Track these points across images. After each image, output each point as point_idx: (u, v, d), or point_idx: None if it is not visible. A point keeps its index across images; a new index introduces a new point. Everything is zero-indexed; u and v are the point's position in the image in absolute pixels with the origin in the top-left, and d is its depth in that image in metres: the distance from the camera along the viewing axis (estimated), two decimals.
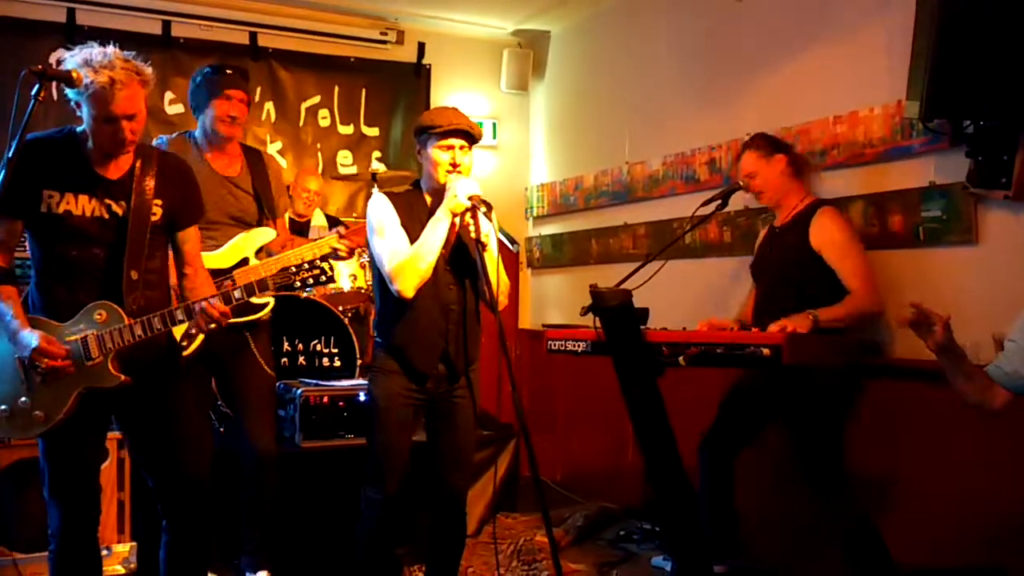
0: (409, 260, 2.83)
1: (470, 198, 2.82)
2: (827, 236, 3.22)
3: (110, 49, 2.40)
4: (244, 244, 3.30)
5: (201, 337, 3.12)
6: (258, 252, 3.31)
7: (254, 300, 3.06)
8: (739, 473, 3.49)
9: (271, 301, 3.31)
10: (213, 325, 2.56)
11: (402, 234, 2.89)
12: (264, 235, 3.36)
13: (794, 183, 3.40)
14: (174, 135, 3.43)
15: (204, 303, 2.53)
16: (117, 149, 2.47)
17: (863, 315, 3.18)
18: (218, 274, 3.18)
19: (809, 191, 3.44)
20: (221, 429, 3.77)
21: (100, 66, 2.35)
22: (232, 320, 3.04)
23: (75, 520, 2.55)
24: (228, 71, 3.34)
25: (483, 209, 2.84)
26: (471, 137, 2.93)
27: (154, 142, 3.30)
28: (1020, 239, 3.01)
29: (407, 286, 2.83)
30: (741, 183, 3.43)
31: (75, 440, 2.53)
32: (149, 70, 2.46)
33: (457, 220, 2.88)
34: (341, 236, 3.43)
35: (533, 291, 6.18)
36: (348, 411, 3.88)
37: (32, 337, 2.39)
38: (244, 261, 3.28)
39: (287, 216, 3.69)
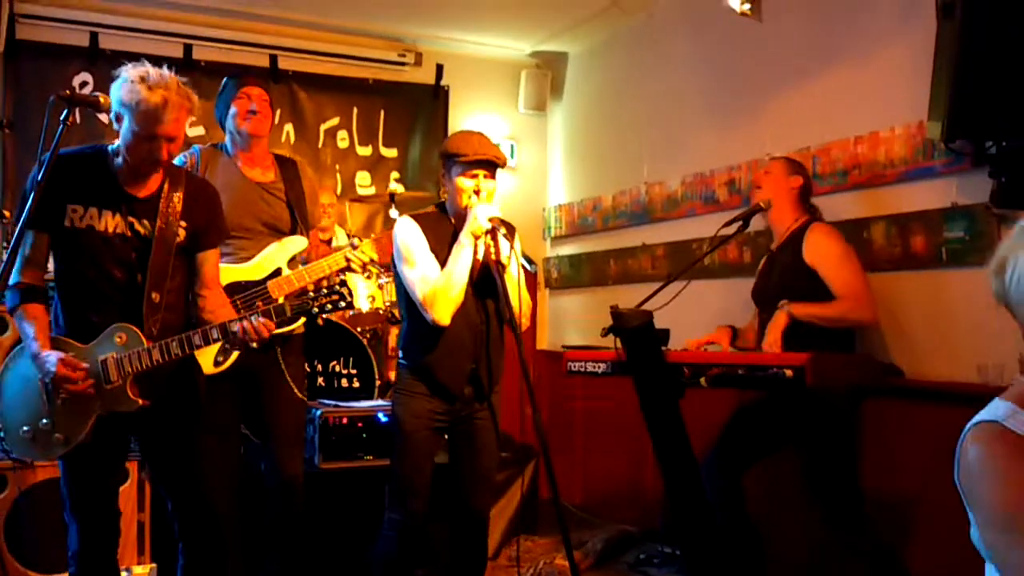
0: (441, 288, 2.84)
1: (490, 220, 2.84)
2: (820, 251, 3.22)
3: (166, 70, 2.44)
4: (276, 254, 3.24)
5: (235, 355, 3.09)
6: (290, 261, 3.26)
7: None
8: (757, 490, 3.45)
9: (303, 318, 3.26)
10: (255, 344, 2.56)
11: (432, 259, 2.90)
12: (296, 244, 3.30)
13: (797, 205, 3.41)
14: (206, 145, 3.41)
15: (251, 321, 2.51)
16: (150, 168, 2.49)
17: (848, 320, 3.17)
18: (251, 286, 3.17)
19: (805, 213, 3.43)
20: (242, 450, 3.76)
21: (155, 85, 2.39)
22: None
23: (94, 541, 2.55)
24: (243, 71, 3.35)
25: (503, 231, 2.86)
26: (497, 165, 2.95)
27: (185, 152, 3.28)
28: None
29: (442, 314, 2.85)
30: (763, 204, 3.41)
31: (95, 462, 2.53)
32: (195, 96, 2.49)
33: (479, 243, 2.90)
34: (354, 247, 3.39)
35: (551, 311, 6.17)
36: (367, 432, 3.87)
37: (51, 362, 2.39)
38: (277, 272, 3.22)
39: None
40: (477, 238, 2.88)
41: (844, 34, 3.76)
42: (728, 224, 3.41)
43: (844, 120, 3.71)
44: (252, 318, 2.52)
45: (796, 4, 3.96)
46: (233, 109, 3.26)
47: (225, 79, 3.40)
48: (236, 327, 2.51)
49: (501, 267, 2.89)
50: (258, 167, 3.31)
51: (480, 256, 2.94)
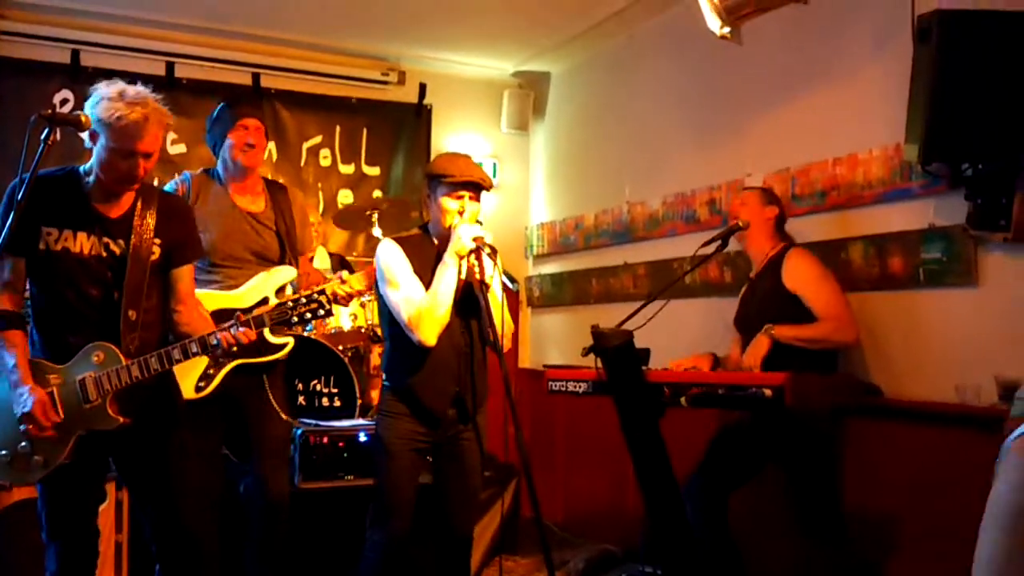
0: (427, 309, 2.84)
1: (474, 240, 2.85)
2: (800, 274, 3.25)
3: (142, 87, 2.45)
4: (264, 283, 3.26)
5: (219, 378, 3.09)
6: (278, 291, 3.26)
7: (273, 340, 3.06)
8: (740, 508, 3.46)
9: (290, 342, 3.23)
10: (235, 348, 2.55)
11: (415, 281, 2.90)
12: (284, 274, 3.31)
13: (773, 234, 3.45)
14: (197, 171, 3.42)
15: (236, 331, 2.51)
16: (125, 185, 2.48)
17: (831, 340, 3.21)
18: (236, 313, 3.16)
19: (781, 240, 3.46)
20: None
21: (133, 101, 2.39)
22: (250, 361, 3.05)
23: (73, 563, 2.53)
24: (242, 100, 3.35)
25: (487, 251, 2.87)
26: (482, 188, 2.97)
27: (176, 179, 3.31)
28: (1020, 281, 3.02)
29: (428, 335, 2.85)
30: (740, 223, 3.44)
31: (73, 483, 2.51)
32: (170, 115, 2.50)
33: (463, 263, 2.90)
34: (343, 281, 3.39)
35: (533, 330, 6.18)
36: (348, 452, 3.85)
37: (29, 402, 2.38)
38: (264, 301, 3.22)
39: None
40: (461, 258, 2.89)
41: (822, 58, 3.81)
42: (707, 244, 3.43)
43: (823, 142, 3.76)
44: (232, 328, 2.52)
45: (775, 28, 4.00)
46: (230, 140, 3.27)
47: (221, 105, 3.38)
48: (216, 338, 2.51)
49: (485, 287, 2.90)
50: (249, 195, 3.34)
51: (463, 276, 2.95)
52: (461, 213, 2.94)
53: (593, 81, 5.67)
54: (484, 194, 3.04)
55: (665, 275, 4.56)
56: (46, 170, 2.53)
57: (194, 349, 2.52)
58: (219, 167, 3.34)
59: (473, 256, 2.89)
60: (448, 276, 2.87)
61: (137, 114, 2.38)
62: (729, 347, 3.61)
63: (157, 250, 2.57)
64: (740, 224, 3.44)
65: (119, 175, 2.45)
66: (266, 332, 2.80)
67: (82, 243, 2.48)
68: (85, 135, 2.46)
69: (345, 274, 3.47)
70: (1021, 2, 2.91)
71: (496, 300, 2.93)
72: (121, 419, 2.48)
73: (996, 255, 3.09)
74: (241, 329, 2.54)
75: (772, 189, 3.66)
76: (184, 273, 2.68)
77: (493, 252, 2.91)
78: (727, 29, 3.54)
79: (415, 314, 2.85)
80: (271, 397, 3.26)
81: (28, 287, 2.55)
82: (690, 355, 3.46)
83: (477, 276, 2.90)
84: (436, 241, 3.00)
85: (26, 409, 2.38)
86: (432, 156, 5.79)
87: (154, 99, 2.45)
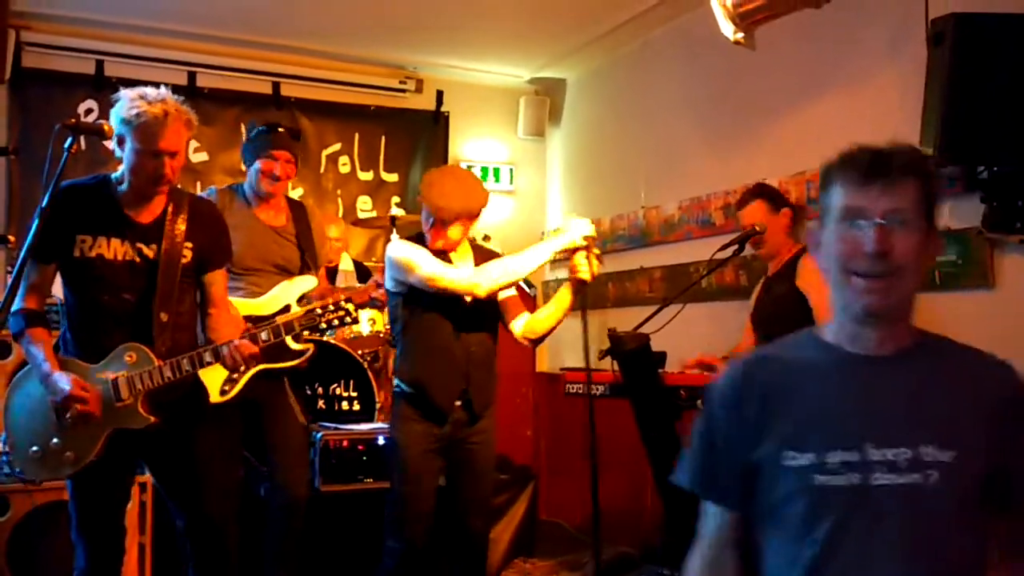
0: (492, 266, 2.88)
1: (584, 238, 2.87)
2: (811, 278, 3.25)
3: (163, 89, 2.51)
4: (286, 292, 3.33)
5: (243, 382, 3.15)
6: (300, 299, 3.33)
7: (294, 346, 3.12)
8: None
9: (311, 348, 3.29)
10: (243, 367, 2.60)
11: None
12: (306, 283, 3.39)
13: (789, 236, 3.45)
14: (224, 187, 3.52)
15: (234, 343, 2.57)
16: (155, 186, 2.53)
17: None
18: (260, 320, 3.23)
19: (798, 240, 3.47)
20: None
21: (154, 100, 2.46)
22: (272, 366, 3.11)
23: (101, 560, 2.58)
24: (279, 130, 3.42)
25: (596, 251, 2.88)
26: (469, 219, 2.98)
27: (203, 193, 3.41)
28: None
29: (480, 286, 2.87)
30: (757, 227, 3.45)
31: (103, 481, 2.57)
32: (194, 116, 2.55)
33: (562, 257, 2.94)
34: (379, 285, 3.44)
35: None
36: (367, 455, 3.89)
37: (65, 382, 2.44)
38: (286, 308, 3.28)
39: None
40: (573, 251, 2.89)
41: (837, 62, 3.83)
42: (723, 248, 3.45)
43: (838, 145, 3.69)
44: (232, 344, 2.56)
45: (789, 33, 4.02)
46: (258, 165, 3.36)
47: (263, 128, 3.43)
48: (224, 350, 2.56)
49: (583, 285, 2.91)
50: (271, 210, 3.43)
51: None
52: (447, 247, 2.96)
53: (608, 87, 5.70)
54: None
55: (681, 279, 4.57)
56: (78, 179, 2.60)
57: (208, 359, 2.57)
58: (246, 184, 3.43)
59: (584, 253, 2.89)
60: (535, 255, 2.89)
61: (157, 110, 2.44)
62: (740, 340, 3.62)
63: (189, 254, 2.62)
64: (757, 228, 3.46)
65: (147, 176, 2.50)
66: (287, 338, 2.85)
67: (115, 249, 2.54)
68: (112, 143, 2.52)
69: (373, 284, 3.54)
70: None
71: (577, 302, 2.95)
72: (152, 419, 2.53)
73: (1012, 257, 3.10)
74: (242, 341, 2.58)
75: (770, 186, 3.61)
76: (216, 278, 2.73)
77: (599, 255, 2.92)
78: (740, 34, 3.55)
79: (462, 278, 2.86)
80: (291, 398, 3.33)
81: (63, 292, 2.62)
82: (691, 357, 3.44)
83: (580, 274, 2.90)
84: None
85: (64, 388, 2.42)
86: (449, 162, 5.85)
87: (174, 99, 2.51)
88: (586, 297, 2.92)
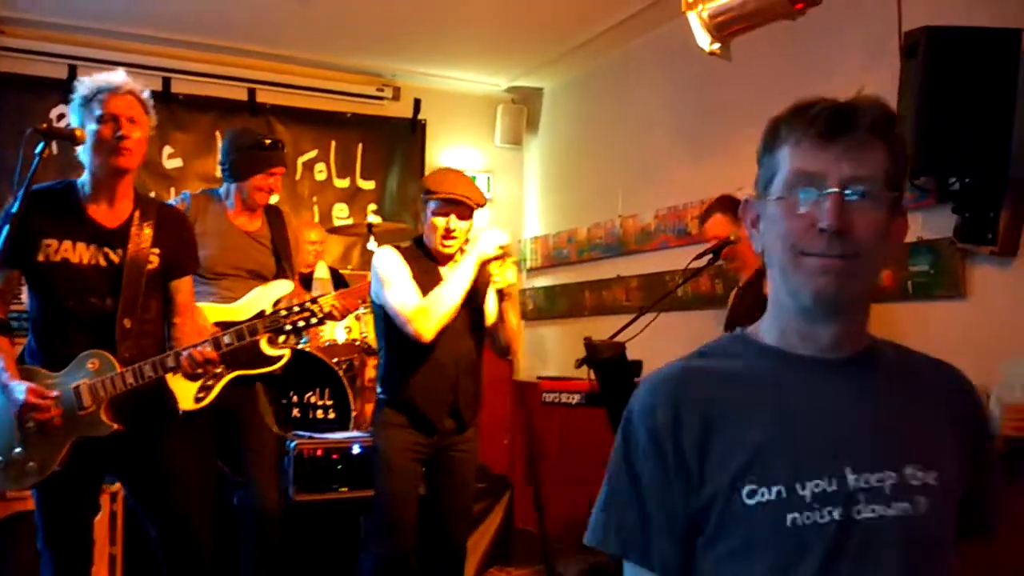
0: (430, 303, 2.85)
1: (499, 248, 2.87)
2: None
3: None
4: (261, 296, 3.30)
5: (217, 389, 3.11)
6: (275, 304, 3.29)
7: (269, 352, 3.10)
8: None
9: (287, 354, 3.26)
10: (200, 370, 2.58)
11: (413, 283, 2.92)
12: (282, 287, 3.34)
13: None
14: (198, 192, 3.48)
15: (191, 349, 2.54)
16: (116, 158, 2.48)
17: None
18: (234, 325, 3.20)
19: None
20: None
21: (108, 75, 2.52)
22: (248, 372, 3.08)
23: (68, 570, 2.54)
24: (277, 148, 3.40)
25: (512, 259, 2.90)
26: (469, 205, 2.98)
27: (177, 198, 3.38)
28: (1007, 293, 3.06)
29: (426, 329, 2.83)
30: (732, 237, 3.47)
31: (69, 490, 2.53)
32: (149, 99, 2.57)
33: (478, 268, 2.92)
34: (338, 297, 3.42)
35: (527, 342, 6.19)
36: (342, 464, 3.86)
37: (21, 391, 2.40)
38: (261, 314, 3.27)
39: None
40: (485, 263, 2.90)
41: (812, 73, 3.86)
42: (699, 257, 3.47)
43: None
44: (192, 348, 2.54)
45: (765, 45, 4.04)
46: (256, 180, 3.31)
47: (256, 141, 3.39)
48: (182, 356, 2.54)
49: (504, 295, 2.92)
50: (246, 215, 3.40)
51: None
52: (448, 231, 2.95)
53: (586, 96, 5.72)
54: (479, 209, 3.06)
55: (657, 288, 4.59)
56: (44, 184, 2.57)
57: (170, 363, 2.55)
58: (225, 188, 3.39)
59: (497, 263, 2.91)
60: (461, 277, 2.88)
61: (111, 80, 2.50)
62: None
63: (155, 259, 2.60)
64: (732, 238, 3.48)
65: (107, 146, 2.46)
66: (263, 344, 2.82)
67: (81, 253, 2.51)
68: (80, 149, 2.49)
69: (341, 291, 3.51)
70: (1006, 19, 2.96)
71: (515, 309, 2.95)
72: (115, 426, 2.49)
73: (983, 268, 3.13)
74: (198, 348, 2.56)
75: (733, 198, 3.61)
76: (183, 285, 2.71)
77: (516, 262, 2.93)
78: (716, 45, 3.58)
79: (418, 308, 2.85)
80: (264, 407, 3.31)
81: (28, 299, 2.58)
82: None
83: (497, 284, 2.91)
84: (430, 253, 3.03)
85: (20, 399, 2.39)
86: (426, 170, 5.84)
87: (130, 79, 2.55)
88: (526, 304, 2.92)
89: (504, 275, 2.91)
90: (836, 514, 1.09)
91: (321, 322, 2.83)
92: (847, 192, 1.13)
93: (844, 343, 1.19)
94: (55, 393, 2.45)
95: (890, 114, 1.22)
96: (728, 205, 3.54)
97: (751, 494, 1.10)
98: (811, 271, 1.14)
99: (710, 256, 3.49)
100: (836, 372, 1.18)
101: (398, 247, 3.05)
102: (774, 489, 1.10)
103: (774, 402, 1.16)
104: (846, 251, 1.12)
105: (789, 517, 1.09)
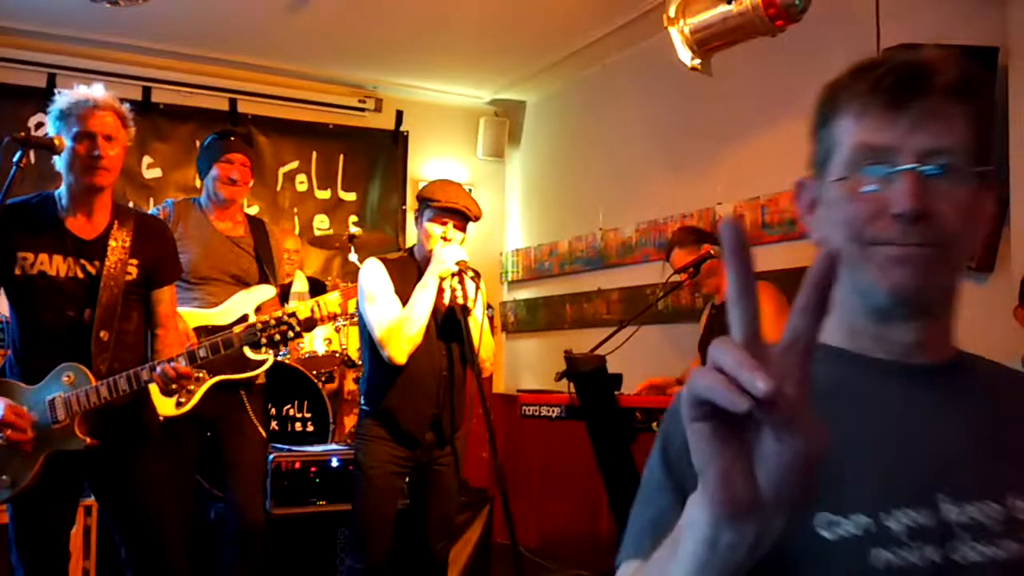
0: (398, 326, 2.85)
1: (457, 263, 2.88)
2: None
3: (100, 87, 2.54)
4: (243, 301, 3.26)
5: (199, 394, 3.06)
6: (257, 309, 3.26)
7: (253, 357, 3.07)
8: None
9: (269, 359, 3.22)
10: (174, 386, 2.55)
11: (395, 301, 2.92)
12: (264, 292, 3.31)
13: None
14: (179, 199, 3.46)
15: (163, 364, 2.51)
16: (92, 175, 2.45)
17: None
18: (217, 330, 3.17)
19: None
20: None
21: (86, 89, 2.49)
22: (232, 377, 3.05)
23: None
24: (232, 137, 3.38)
25: (470, 274, 2.89)
26: (467, 216, 2.99)
27: (157, 208, 3.36)
28: (984, 308, 3.08)
29: (398, 352, 2.85)
30: (712, 252, 3.49)
31: (44, 504, 2.49)
32: (129, 112, 2.54)
33: (445, 286, 2.93)
34: (318, 304, 3.40)
35: (507, 355, 6.20)
36: (320, 477, 3.83)
37: (0, 407, 2.37)
38: (243, 318, 3.22)
39: None
40: (443, 280, 2.91)
41: (792, 89, 3.89)
42: (679, 271, 3.48)
43: (792, 171, 3.73)
44: (165, 363, 2.51)
45: (745, 61, 4.08)
46: (215, 171, 3.30)
47: (213, 136, 3.41)
48: (158, 369, 2.50)
49: (466, 311, 2.92)
50: (229, 221, 3.37)
51: (446, 300, 2.97)
52: (445, 239, 2.97)
53: (568, 110, 5.74)
54: (475, 222, 3.07)
55: (638, 301, 4.60)
56: (20, 197, 2.54)
57: (145, 377, 2.51)
58: (203, 196, 3.38)
59: (456, 279, 2.92)
60: (425, 296, 2.89)
61: (89, 95, 2.47)
62: (688, 368, 3.64)
63: (134, 270, 2.57)
64: (712, 252, 3.49)
65: (83, 162, 2.44)
66: (246, 348, 2.79)
67: (58, 266, 2.48)
68: (57, 159, 2.47)
69: (322, 298, 3.48)
70: (984, 36, 2.99)
71: (477, 323, 2.95)
72: (88, 440, 2.46)
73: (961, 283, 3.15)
74: (172, 364, 2.53)
75: (687, 230, 3.66)
76: (164, 296, 2.68)
77: (476, 276, 2.94)
78: (698, 61, 3.60)
79: (387, 331, 2.86)
80: (251, 415, 3.23)
81: (8, 312, 2.55)
82: (642, 381, 3.46)
83: (460, 300, 2.92)
84: (421, 264, 3.03)
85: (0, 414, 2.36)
86: (408, 182, 5.84)
87: (108, 93, 2.53)
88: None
89: (463, 291, 2.91)
90: (933, 555, 0.87)
91: (299, 335, 2.81)
92: (925, 168, 0.92)
93: (927, 347, 0.98)
94: (35, 416, 2.42)
95: (975, 71, 0.98)
96: (685, 237, 3.58)
97: (827, 525, 0.87)
98: (884, 263, 0.93)
99: (690, 270, 3.50)
100: (923, 381, 0.96)
101: (386, 259, 3.04)
102: (856, 519, 0.87)
103: (853, 415, 0.93)
104: (926, 239, 0.91)
105: (875, 555, 0.86)
